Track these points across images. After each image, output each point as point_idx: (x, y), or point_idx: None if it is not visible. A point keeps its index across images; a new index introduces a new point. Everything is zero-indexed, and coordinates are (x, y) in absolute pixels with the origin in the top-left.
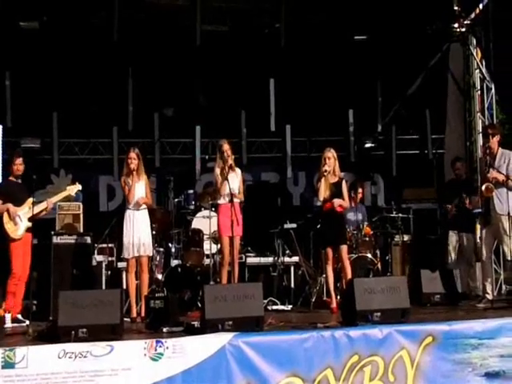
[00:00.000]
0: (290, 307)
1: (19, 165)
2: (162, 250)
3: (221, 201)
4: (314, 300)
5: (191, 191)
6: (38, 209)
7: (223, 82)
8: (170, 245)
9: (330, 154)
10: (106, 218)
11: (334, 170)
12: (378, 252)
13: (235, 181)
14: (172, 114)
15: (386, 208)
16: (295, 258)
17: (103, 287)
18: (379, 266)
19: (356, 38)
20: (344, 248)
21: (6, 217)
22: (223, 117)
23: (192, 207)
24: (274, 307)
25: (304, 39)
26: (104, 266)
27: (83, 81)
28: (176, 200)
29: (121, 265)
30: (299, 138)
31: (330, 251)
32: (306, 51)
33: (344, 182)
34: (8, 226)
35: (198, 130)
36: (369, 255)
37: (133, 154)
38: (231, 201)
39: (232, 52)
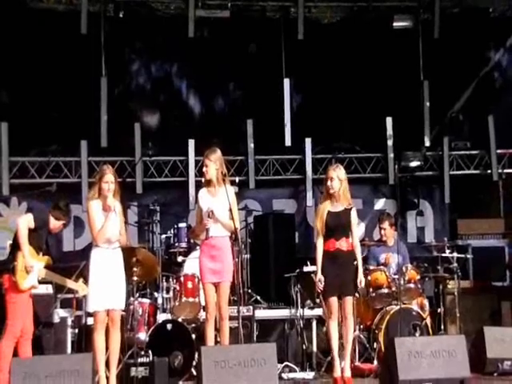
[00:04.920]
0: (312, 375)
1: None
2: (145, 301)
3: (202, 235)
4: (343, 365)
5: (183, 225)
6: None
7: (224, 83)
8: (156, 294)
9: (333, 174)
10: (71, 261)
11: (340, 195)
12: (426, 303)
13: (218, 203)
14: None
15: (436, 245)
16: (318, 311)
17: (68, 351)
18: (428, 321)
19: (396, 25)
20: (349, 300)
21: (21, 264)
22: (224, 128)
23: (184, 245)
24: (291, 375)
25: (328, 27)
26: (69, 322)
27: (42, 82)
28: (164, 236)
29: (91, 321)
30: (322, 155)
31: (334, 302)
32: (330, 42)
33: (354, 211)
34: (20, 273)
35: (192, 144)
36: (414, 307)
37: (110, 176)
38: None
39: (235, 45)
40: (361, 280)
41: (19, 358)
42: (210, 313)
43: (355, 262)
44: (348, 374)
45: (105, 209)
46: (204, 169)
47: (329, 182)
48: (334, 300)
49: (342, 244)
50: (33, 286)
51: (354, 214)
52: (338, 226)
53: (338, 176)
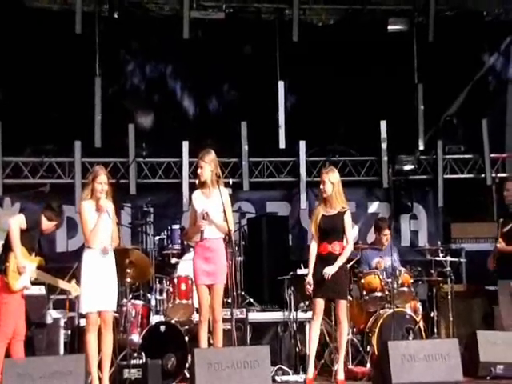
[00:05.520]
0: (304, 378)
1: None
2: (138, 302)
3: (196, 237)
4: (336, 368)
5: (177, 226)
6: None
7: (218, 85)
8: (149, 296)
9: (325, 177)
10: (65, 262)
11: (333, 198)
12: (419, 306)
13: (212, 205)
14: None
15: (429, 249)
16: (311, 314)
17: (61, 352)
18: (422, 324)
19: (390, 28)
20: (342, 304)
21: (13, 265)
22: (218, 130)
23: (178, 247)
24: (284, 378)
25: (322, 29)
26: (62, 324)
27: (36, 81)
28: (157, 238)
29: (84, 322)
30: (316, 158)
31: (320, 303)
32: (325, 44)
33: (348, 214)
34: (12, 274)
35: (186, 146)
36: (408, 310)
37: (104, 177)
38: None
39: (229, 47)
40: (325, 273)
41: (12, 359)
42: (204, 315)
43: (348, 265)
44: (341, 377)
45: (97, 210)
46: (199, 170)
47: (321, 186)
48: (319, 302)
49: (335, 248)
50: (25, 287)
51: (347, 218)
52: (330, 229)
53: (329, 179)
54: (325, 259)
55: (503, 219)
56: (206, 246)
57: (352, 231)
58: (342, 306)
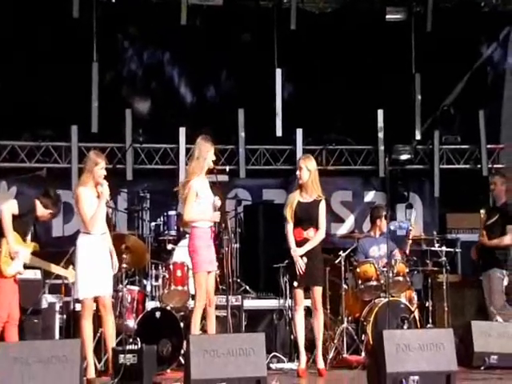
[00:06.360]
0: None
1: None
2: (134, 288)
3: (200, 223)
4: (331, 357)
5: (173, 212)
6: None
7: (216, 72)
8: (145, 282)
9: (302, 164)
10: (61, 246)
11: (309, 186)
12: (414, 296)
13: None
14: None
15: (425, 239)
16: (307, 302)
17: (56, 337)
18: (417, 314)
19: (388, 17)
20: (318, 290)
21: (5, 250)
22: (215, 116)
23: (174, 233)
24: (279, 365)
25: (320, 18)
26: (58, 308)
27: (33, 65)
28: (153, 224)
29: (80, 307)
30: (313, 146)
31: (299, 293)
32: (323, 32)
33: (323, 203)
34: (4, 259)
35: (183, 132)
36: (403, 300)
37: (104, 163)
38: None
39: (227, 34)
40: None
41: (6, 343)
42: (203, 302)
43: (344, 254)
44: (321, 365)
45: (99, 196)
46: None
47: (297, 172)
48: (299, 292)
49: (310, 234)
50: (18, 272)
51: (322, 207)
52: (306, 216)
53: (306, 166)
54: (300, 246)
55: (489, 211)
56: (208, 234)
57: (348, 220)
58: (317, 292)
